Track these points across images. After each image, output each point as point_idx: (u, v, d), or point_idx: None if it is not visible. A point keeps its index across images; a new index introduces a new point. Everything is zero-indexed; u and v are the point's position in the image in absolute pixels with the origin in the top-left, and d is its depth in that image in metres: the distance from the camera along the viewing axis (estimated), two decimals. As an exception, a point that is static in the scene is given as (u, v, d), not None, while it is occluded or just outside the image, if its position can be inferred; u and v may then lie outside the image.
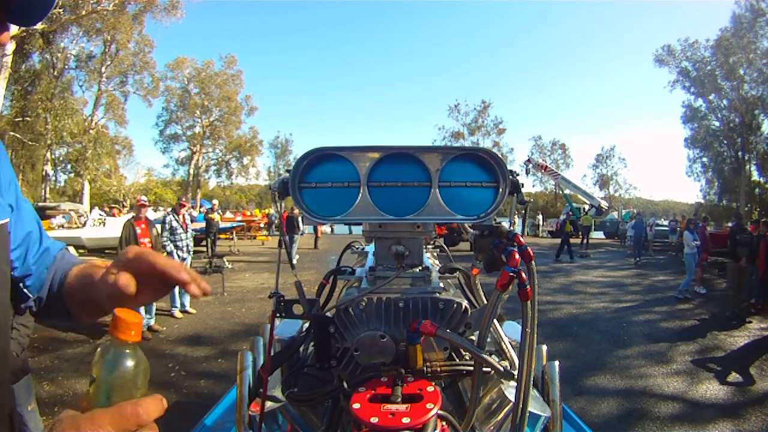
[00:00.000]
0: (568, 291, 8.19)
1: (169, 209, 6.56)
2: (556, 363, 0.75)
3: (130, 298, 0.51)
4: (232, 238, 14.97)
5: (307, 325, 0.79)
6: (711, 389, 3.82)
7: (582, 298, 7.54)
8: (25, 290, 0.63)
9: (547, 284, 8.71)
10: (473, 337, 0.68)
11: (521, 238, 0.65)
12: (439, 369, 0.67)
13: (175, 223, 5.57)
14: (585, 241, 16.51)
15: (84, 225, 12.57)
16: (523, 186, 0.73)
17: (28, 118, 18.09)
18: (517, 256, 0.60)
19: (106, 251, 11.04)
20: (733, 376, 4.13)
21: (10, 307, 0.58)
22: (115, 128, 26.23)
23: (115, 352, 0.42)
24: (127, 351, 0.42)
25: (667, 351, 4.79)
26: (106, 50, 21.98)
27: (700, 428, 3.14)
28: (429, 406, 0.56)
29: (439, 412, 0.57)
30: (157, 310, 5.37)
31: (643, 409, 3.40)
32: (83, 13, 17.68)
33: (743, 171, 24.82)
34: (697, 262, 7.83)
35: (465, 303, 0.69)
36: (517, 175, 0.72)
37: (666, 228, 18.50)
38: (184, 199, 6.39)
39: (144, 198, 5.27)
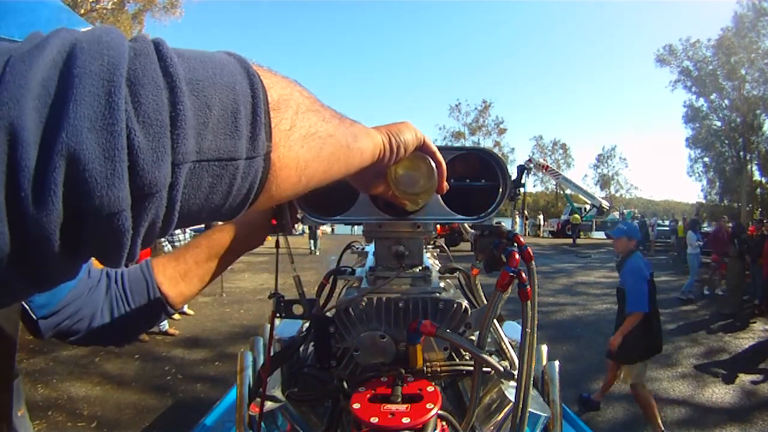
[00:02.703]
0: (570, 292, 8.15)
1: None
2: (556, 363, 0.75)
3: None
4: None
5: (307, 325, 0.79)
6: (717, 392, 3.80)
7: (585, 300, 7.51)
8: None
9: (549, 285, 8.67)
10: (473, 337, 0.68)
11: (521, 238, 0.65)
12: (439, 369, 0.67)
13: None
14: (574, 240, 16.54)
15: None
16: (524, 185, 0.72)
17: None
18: (517, 256, 0.60)
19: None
20: (740, 379, 4.09)
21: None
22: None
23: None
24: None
25: (672, 354, 4.74)
26: (107, 51, 22.10)
27: (706, 432, 3.12)
28: (429, 406, 0.56)
29: (439, 412, 0.57)
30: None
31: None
32: (82, 11, 17.73)
33: (745, 171, 24.78)
34: (700, 263, 7.74)
35: (465, 303, 0.69)
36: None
37: (667, 228, 18.52)
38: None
39: None
